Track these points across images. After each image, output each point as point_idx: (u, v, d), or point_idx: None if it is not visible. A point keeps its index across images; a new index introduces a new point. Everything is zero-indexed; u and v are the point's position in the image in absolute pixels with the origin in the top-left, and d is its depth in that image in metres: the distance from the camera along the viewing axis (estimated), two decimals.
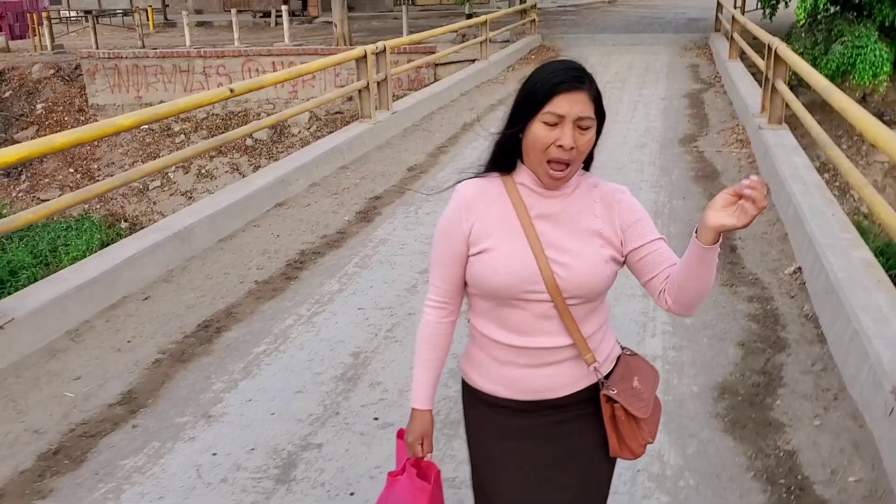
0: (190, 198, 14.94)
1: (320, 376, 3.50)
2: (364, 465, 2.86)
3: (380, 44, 8.23)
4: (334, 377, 3.49)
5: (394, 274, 4.68)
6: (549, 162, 1.58)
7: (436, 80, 14.74)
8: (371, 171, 7.04)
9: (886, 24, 12.44)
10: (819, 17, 13.12)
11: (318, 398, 3.32)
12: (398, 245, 5.16)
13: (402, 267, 4.80)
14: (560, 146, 1.55)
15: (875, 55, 11.88)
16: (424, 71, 16.00)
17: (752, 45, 10.82)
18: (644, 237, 1.64)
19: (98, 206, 14.79)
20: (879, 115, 13.20)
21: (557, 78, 1.55)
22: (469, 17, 17.20)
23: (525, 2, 17.46)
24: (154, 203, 15.48)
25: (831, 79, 12.21)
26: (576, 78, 1.56)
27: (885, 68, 12.03)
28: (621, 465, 1.99)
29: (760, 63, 8.21)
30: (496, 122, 1.72)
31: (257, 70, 16.23)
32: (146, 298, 4.34)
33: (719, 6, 16.58)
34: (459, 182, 1.73)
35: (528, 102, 1.57)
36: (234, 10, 19.88)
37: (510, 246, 1.63)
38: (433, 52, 15.41)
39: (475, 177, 1.73)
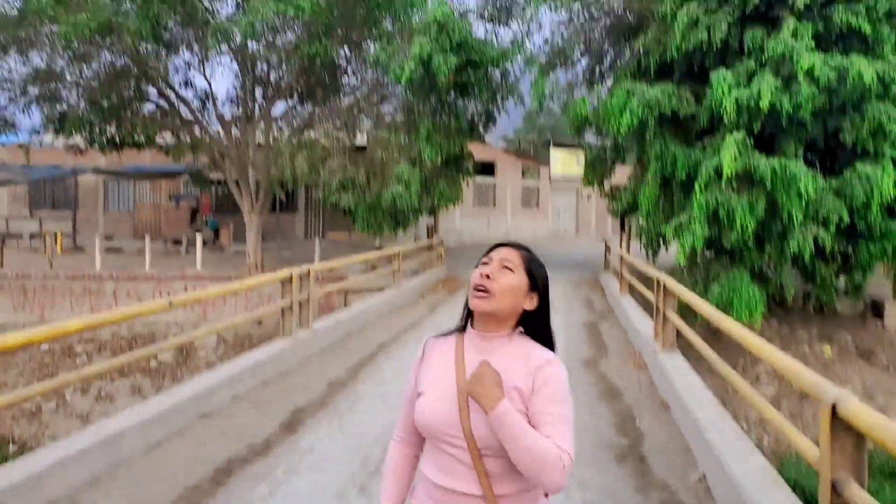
0: (86, 421, 14.34)
1: None
2: None
3: (304, 267, 8.81)
4: None
5: (323, 480, 4.81)
6: (472, 289, 1.94)
7: (346, 305, 15.36)
8: (293, 384, 7.27)
9: (756, 268, 14.10)
10: (697, 260, 14.71)
11: None
12: (323, 456, 5.32)
13: (331, 470, 4.95)
14: (482, 274, 1.94)
15: (749, 295, 13.30)
16: (335, 296, 16.62)
17: (640, 279, 12.04)
18: (538, 394, 1.84)
19: None
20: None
21: (498, 244, 2.06)
22: (379, 249, 18.26)
23: (432, 237, 18.82)
24: (47, 426, 14.74)
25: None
26: (509, 242, 2.05)
27: (759, 307, 13.44)
28: None
29: (650, 296, 9.18)
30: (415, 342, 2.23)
31: (168, 293, 16.44)
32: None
33: (608, 248, 18.34)
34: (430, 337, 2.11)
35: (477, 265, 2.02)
36: (146, 236, 20.35)
37: (440, 392, 1.90)
38: (344, 279, 16.20)
39: (441, 334, 2.09)
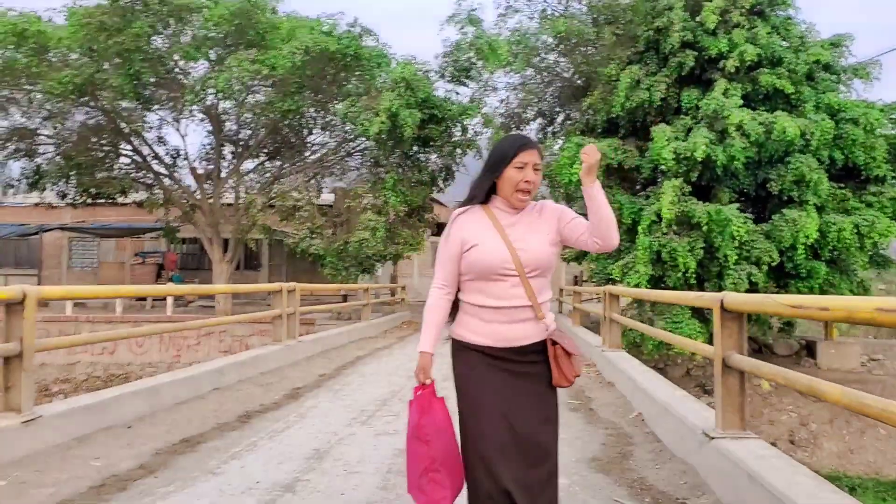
0: None
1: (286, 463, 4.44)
2: None
3: (291, 284, 9.72)
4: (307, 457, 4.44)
5: (327, 421, 5.70)
6: (517, 191, 2.61)
7: None
8: (288, 375, 8.13)
9: (696, 307, 15.31)
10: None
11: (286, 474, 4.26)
12: (325, 410, 6.20)
13: (334, 417, 5.83)
14: (526, 181, 2.61)
15: (690, 329, 14.41)
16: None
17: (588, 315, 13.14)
18: (566, 219, 2.64)
19: None
20: (701, 386, 15.63)
21: (519, 142, 2.67)
22: (344, 299, 19.14)
23: (395, 282, 19.83)
24: None
25: (657, 349, 14.68)
26: (530, 141, 2.67)
27: (700, 341, 14.57)
28: None
29: (598, 310, 10.28)
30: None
31: (143, 336, 16.99)
32: (129, 427, 5.14)
33: (561, 293, 19.60)
34: (454, 210, 2.76)
35: (502, 158, 2.63)
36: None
37: (491, 242, 2.59)
38: (313, 324, 17.05)
39: (462, 207, 2.74)
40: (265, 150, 21.74)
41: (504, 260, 2.57)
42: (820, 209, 14.56)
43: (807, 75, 15.26)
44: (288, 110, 18.08)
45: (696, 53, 15.31)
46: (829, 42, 15.97)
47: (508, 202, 2.66)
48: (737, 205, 15.23)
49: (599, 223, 2.54)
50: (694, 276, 14.55)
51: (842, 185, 15.06)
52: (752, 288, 14.71)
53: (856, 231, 14.13)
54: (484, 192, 2.71)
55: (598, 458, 4.57)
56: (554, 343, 2.60)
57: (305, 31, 17.35)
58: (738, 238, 13.97)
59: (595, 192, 2.53)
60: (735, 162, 14.10)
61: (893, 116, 15.34)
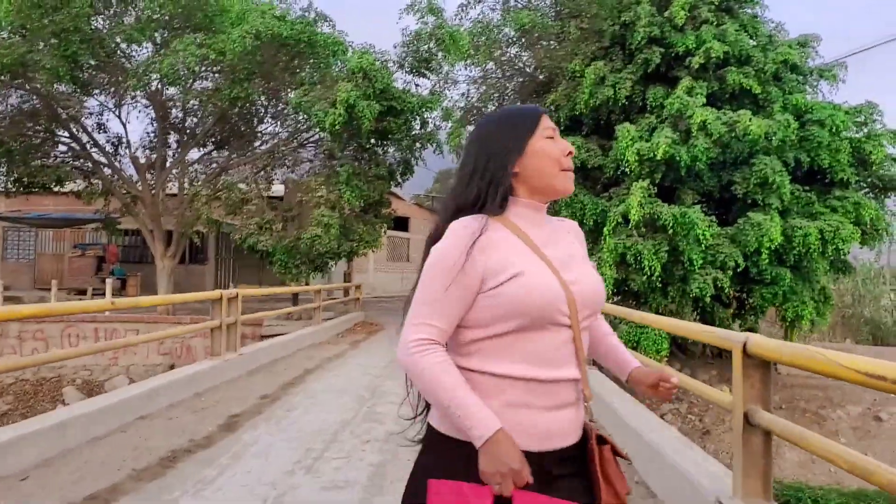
0: None
1: None
2: None
3: (232, 290, 8.89)
4: None
5: (266, 465, 4.94)
6: (563, 170, 1.72)
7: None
8: (226, 397, 7.32)
9: (660, 310, 14.89)
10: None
11: None
12: (265, 447, 5.44)
13: (275, 458, 5.08)
14: (570, 153, 1.74)
15: (655, 335, 14.00)
16: (249, 341, 16.49)
17: None
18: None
19: None
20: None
21: (529, 107, 1.79)
22: (295, 299, 18.31)
23: (350, 280, 19.03)
24: None
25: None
26: (541, 108, 1.80)
27: (664, 345, 14.16)
28: None
29: None
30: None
31: (78, 335, 15.95)
32: (24, 479, 4.30)
33: None
34: (454, 221, 1.68)
35: (518, 132, 1.71)
36: (53, 282, 19.70)
37: (537, 269, 1.64)
38: (261, 324, 16.18)
39: (470, 221, 1.68)
40: (212, 140, 20.68)
41: (558, 297, 1.63)
42: (783, 213, 14.23)
43: (774, 75, 14.90)
44: (237, 98, 17.11)
45: (662, 50, 14.84)
46: (797, 42, 15.63)
47: (537, 200, 1.75)
48: (700, 206, 14.89)
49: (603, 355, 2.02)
50: (659, 279, 14.13)
51: (807, 188, 14.75)
52: (718, 293, 14.36)
53: (820, 237, 13.83)
54: (500, 192, 1.71)
55: None
56: (602, 441, 1.71)
57: (256, 15, 16.38)
58: (703, 241, 13.59)
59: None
60: (698, 163, 13.68)
61: (858, 119, 15.06)
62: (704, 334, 4.16)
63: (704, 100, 13.98)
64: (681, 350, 16.63)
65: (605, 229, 14.13)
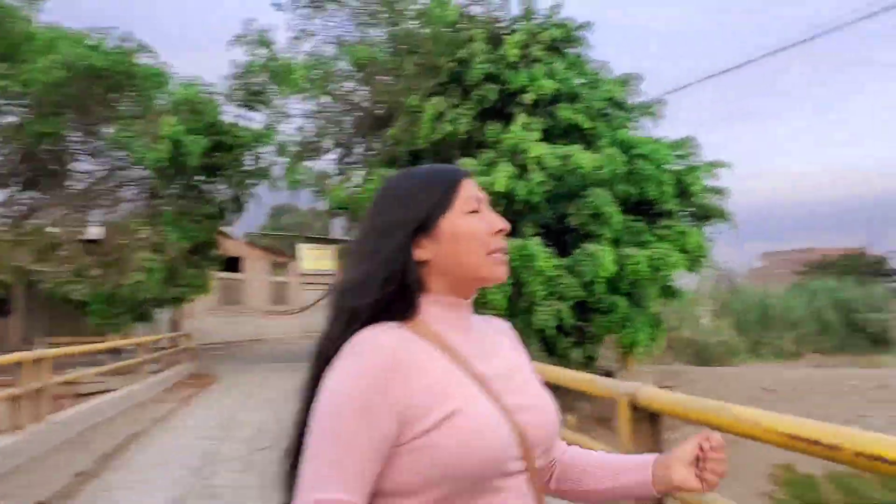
0: None
1: None
2: None
3: (37, 353, 7.76)
4: None
5: None
6: (492, 253, 1.27)
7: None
8: (30, 482, 6.23)
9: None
10: None
11: None
12: None
13: None
14: (500, 230, 1.29)
15: None
16: (64, 401, 14.80)
17: None
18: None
19: None
20: None
21: (446, 169, 1.33)
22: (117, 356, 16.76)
23: (178, 328, 17.64)
24: None
25: None
26: (465, 170, 1.36)
27: None
28: None
29: None
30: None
31: None
32: None
33: None
34: (355, 335, 1.19)
35: (426, 206, 1.25)
36: None
37: (478, 404, 1.18)
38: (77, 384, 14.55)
39: (371, 326, 1.21)
40: (18, 180, 18.67)
41: (507, 443, 1.17)
42: (616, 242, 14.72)
43: (601, 112, 15.52)
44: (45, 133, 15.52)
45: (498, 87, 15.07)
46: (620, 80, 16.39)
47: (458, 295, 1.28)
48: (539, 239, 15.13)
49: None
50: (506, 314, 14.15)
51: (637, 218, 15.36)
52: (560, 324, 14.55)
53: (650, 265, 14.39)
54: (408, 287, 1.23)
55: None
56: None
57: (67, 44, 15.00)
58: (544, 273, 13.77)
59: None
60: (535, 195, 13.91)
61: (678, 153, 15.93)
62: (587, 384, 3.87)
63: (540, 135, 14.26)
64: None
65: None
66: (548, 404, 1.29)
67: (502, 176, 13.55)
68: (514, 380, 1.27)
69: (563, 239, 16.00)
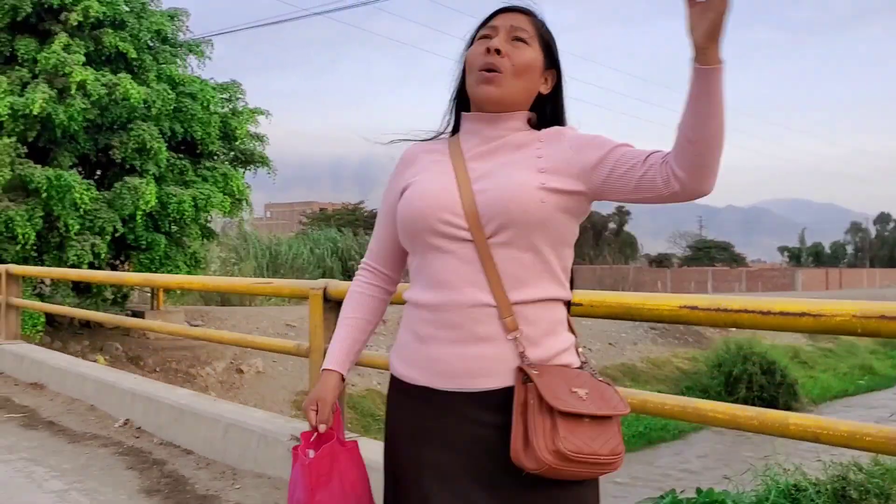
0: None
1: None
2: None
3: None
4: None
5: None
6: (480, 71, 1.45)
7: None
8: None
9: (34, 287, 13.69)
10: None
11: None
12: None
13: None
14: (487, 49, 1.44)
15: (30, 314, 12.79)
16: None
17: None
18: (597, 149, 1.43)
19: None
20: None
21: (495, 9, 1.53)
22: None
23: None
24: None
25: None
26: (516, 6, 1.52)
27: (41, 322, 13.12)
28: None
29: None
30: None
31: None
32: None
33: None
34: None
35: (469, 41, 1.54)
36: None
37: (432, 178, 1.48)
38: None
39: (420, 140, 1.62)
40: None
41: (444, 206, 1.42)
42: (160, 179, 14.60)
43: (148, 44, 15.07)
44: None
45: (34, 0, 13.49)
46: (168, 14, 16.00)
47: (477, 108, 1.52)
48: (78, 170, 14.20)
49: (703, 138, 1.27)
50: (34, 248, 13.07)
51: (181, 156, 15.39)
52: (96, 260, 13.94)
53: (194, 204, 14.63)
54: (450, 110, 1.60)
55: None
56: (527, 379, 1.34)
57: None
58: (81, 207, 13.08)
59: (714, 78, 1.23)
60: (74, 123, 13.05)
61: (225, 96, 16.27)
62: (281, 286, 4.35)
63: (84, 59, 13.30)
64: (49, 324, 15.61)
65: None
66: (506, 188, 1.40)
67: (40, 97, 12.36)
68: (496, 172, 1.44)
69: (104, 173, 15.25)
